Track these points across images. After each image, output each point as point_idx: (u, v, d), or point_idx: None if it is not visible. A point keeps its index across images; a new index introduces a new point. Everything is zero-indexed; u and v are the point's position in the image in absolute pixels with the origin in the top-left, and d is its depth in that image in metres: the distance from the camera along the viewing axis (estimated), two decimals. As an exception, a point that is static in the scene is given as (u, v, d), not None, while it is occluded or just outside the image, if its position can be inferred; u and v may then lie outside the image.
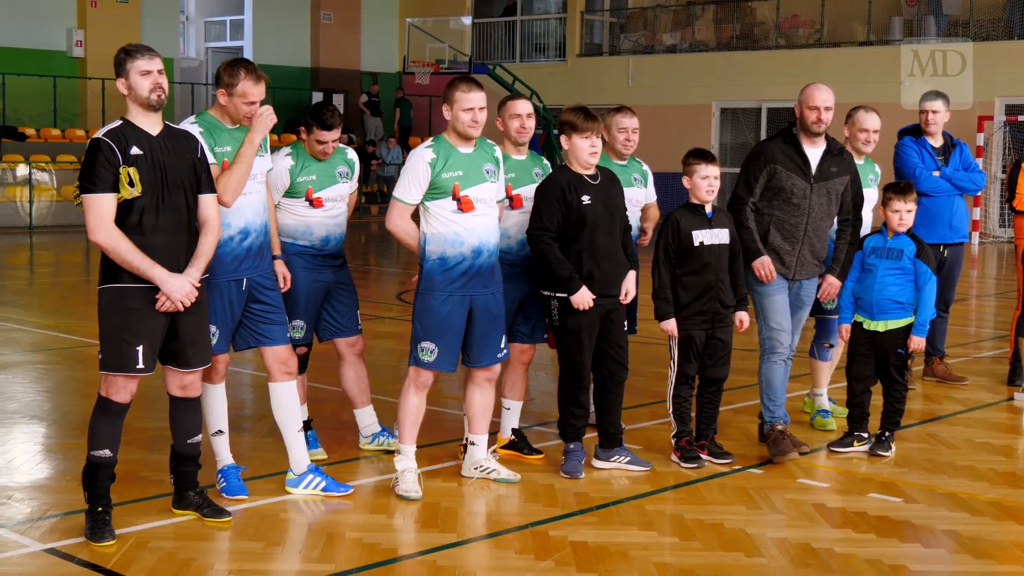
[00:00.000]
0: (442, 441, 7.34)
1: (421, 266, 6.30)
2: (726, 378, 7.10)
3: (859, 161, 7.90)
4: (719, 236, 6.92)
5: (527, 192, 6.83)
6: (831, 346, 7.96)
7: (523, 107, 6.89)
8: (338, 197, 6.87)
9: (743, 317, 7.03)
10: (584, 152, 6.58)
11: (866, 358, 7.30)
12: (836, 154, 7.24)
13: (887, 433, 7.29)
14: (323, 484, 6.28)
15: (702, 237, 6.88)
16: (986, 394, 9.20)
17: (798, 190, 7.10)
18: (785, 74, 27.80)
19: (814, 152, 7.17)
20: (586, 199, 6.55)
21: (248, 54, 30.58)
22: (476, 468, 6.55)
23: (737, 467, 6.94)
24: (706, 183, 6.88)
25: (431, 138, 6.34)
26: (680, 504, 6.27)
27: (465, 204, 6.18)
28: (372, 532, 5.75)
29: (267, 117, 6.06)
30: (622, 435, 6.92)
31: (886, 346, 7.24)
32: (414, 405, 6.33)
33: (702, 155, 6.94)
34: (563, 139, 6.64)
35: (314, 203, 6.72)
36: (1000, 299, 15.57)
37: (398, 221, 6.25)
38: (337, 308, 6.98)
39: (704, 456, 6.99)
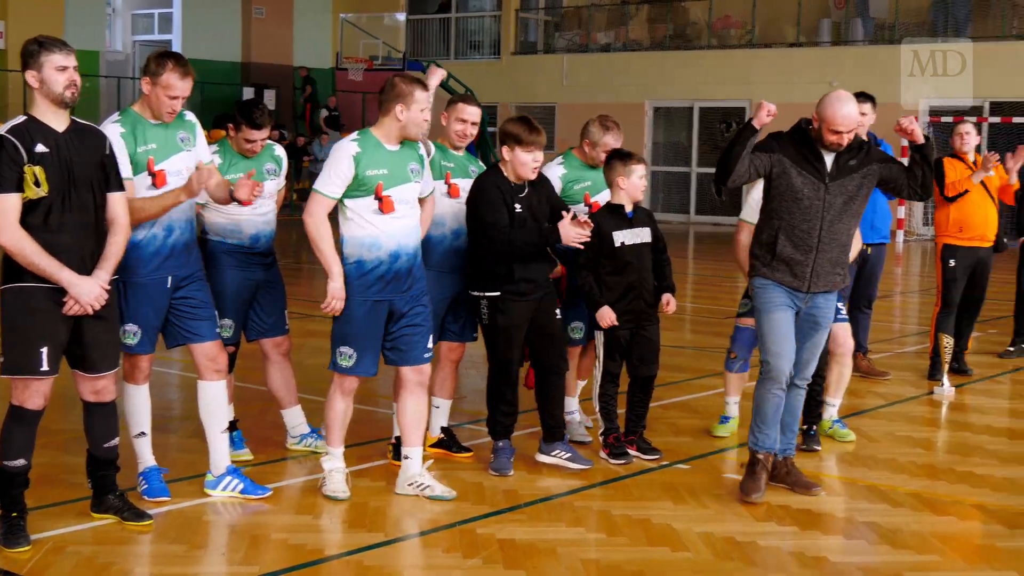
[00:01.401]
0: (371, 440, 7.32)
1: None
2: (655, 376, 7.16)
3: None
4: (640, 235, 6.96)
5: (464, 184, 6.86)
6: (737, 356, 7.65)
7: (472, 113, 6.93)
8: (267, 195, 6.83)
9: (669, 297, 7.05)
10: (526, 167, 6.55)
11: None
12: (855, 147, 6.27)
13: (813, 428, 7.36)
14: (241, 486, 6.22)
15: (623, 237, 6.90)
16: (908, 388, 9.38)
17: (808, 190, 6.19)
18: (717, 74, 28.11)
19: (829, 150, 6.27)
20: (518, 208, 6.56)
21: (177, 48, 30.18)
22: (410, 484, 6.32)
23: (665, 463, 7.01)
24: (642, 183, 6.94)
25: (356, 132, 6.21)
26: (608, 500, 6.32)
27: (386, 204, 6.04)
28: (298, 533, 5.73)
29: (205, 174, 5.92)
30: (563, 429, 6.90)
31: None
32: (340, 410, 6.27)
33: (630, 156, 6.97)
34: (504, 149, 6.58)
35: (243, 201, 6.68)
36: (924, 295, 15.83)
37: (317, 213, 6.04)
38: (265, 307, 6.95)
39: (633, 452, 7.05)
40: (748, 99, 27.97)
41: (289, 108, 32.12)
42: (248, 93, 29.51)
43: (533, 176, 6.60)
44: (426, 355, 6.32)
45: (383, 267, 6.06)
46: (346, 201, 6.08)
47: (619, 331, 6.94)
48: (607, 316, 6.83)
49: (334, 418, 6.27)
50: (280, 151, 7.05)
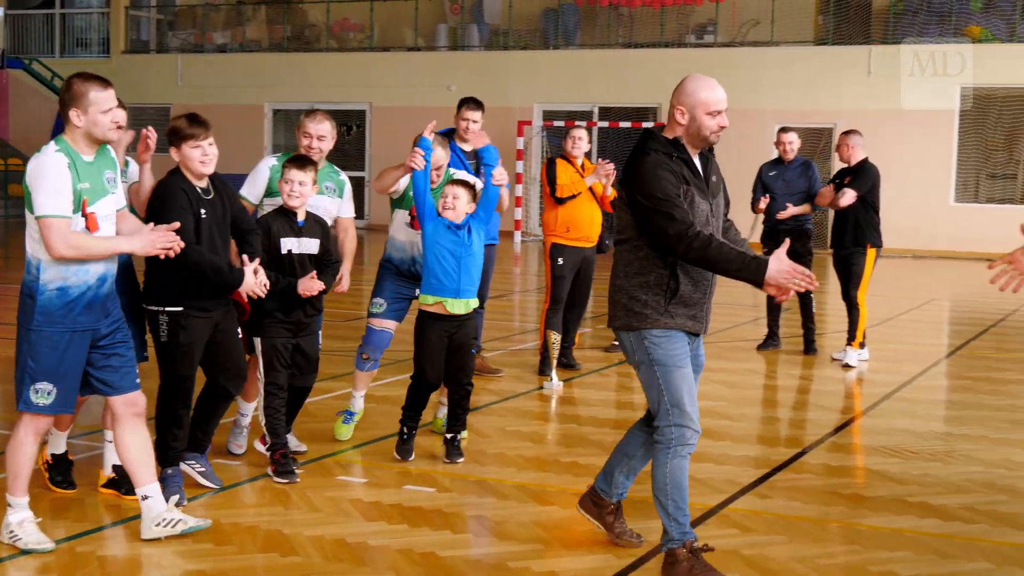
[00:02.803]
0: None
1: (30, 296, 5.38)
2: (311, 387, 7.01)
3: None
4: (308, 246, 6.70)
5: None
6: (370, 357, 7.55)
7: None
8: None
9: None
10: (195, 161, 6.08)
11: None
12: (707, 155, 5.39)
13: (458, 438, 7.20)
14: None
15: (290, 245, 6.66)
16: (519, 384, 9.68)
17: (702, 214, 5.18)
18: (337, 76, 28.18)
19: (697, 159, 5.31)
20: (203, 212, 6.09)
21: None
22: (157, 524, 5.63)
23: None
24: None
25: (52, 141, 5.42)
26: (217, 509, 6.14)
27: (91, 222, 5.37)
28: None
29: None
30: (206, 445, 6.53)
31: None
32: (31, 455, 5.56)
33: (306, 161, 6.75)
34: (173, 151, 6.11)
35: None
36: (540, 294, 16.40)
37: (74, 242, 5.29)
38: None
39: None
40: (368, 102, 28.21)
41: None
42: None
43: (206, 170, 6.13)
44: (137, 380, 5.73)
45: (90, 293, 5.43)
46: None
47: (278, 340, 6.69)
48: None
49: (23, 463, 5.54)
50: None
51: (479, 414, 8.45)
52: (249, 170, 7.39)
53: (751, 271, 4.99)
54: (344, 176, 7.48)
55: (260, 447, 6.99)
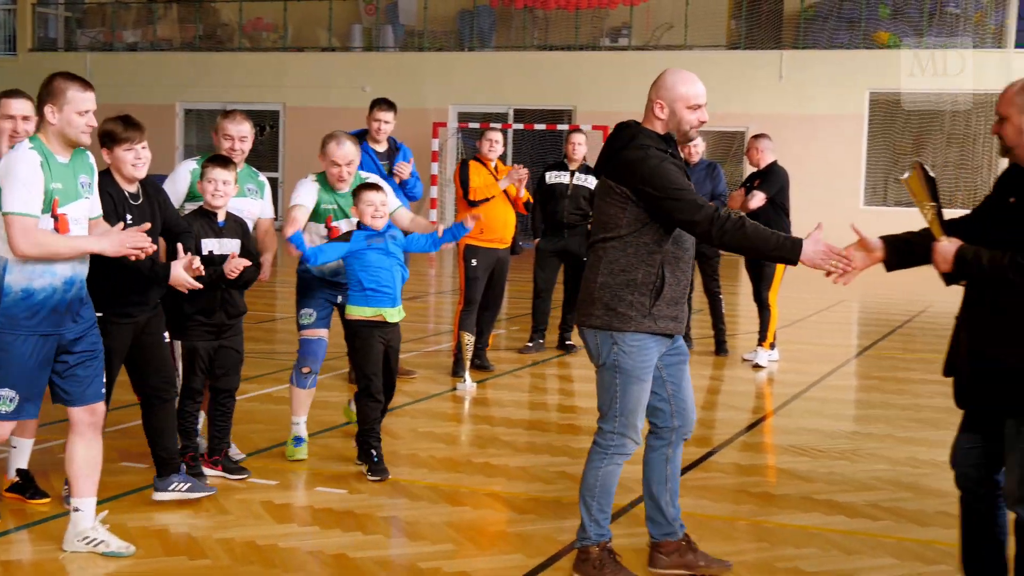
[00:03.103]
0: None
1: None
2: (237, 387, 6.90)
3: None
4: (229, 246, 6.58)
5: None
6: (311, 371, 7.34)
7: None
8: None
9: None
10: (127, 165, 5.92)
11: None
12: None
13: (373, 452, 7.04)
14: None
15: (211, 246, 6.54)
16: (433, 385, 9.67)
17: None
18: (250, 76, 27.95)
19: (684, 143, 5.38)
20: (130, 218, 5.89)
21: None
22: (81, 540, 5.47)
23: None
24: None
25: (27, 139, 5.29)
26: (123, 513, 6.04)
27: (61, 224, 5.19)
28: None
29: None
30: (177, 459, 6.33)
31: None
32: None
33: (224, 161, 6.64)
34: (105, 152, 5.95)
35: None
36: (454, 295, 16.40)
37: (39, 239, 5.10)
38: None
39: (217, 472, 6.70)
40: (282, 102, 28.02)
41: None
42: None
43: (138, 174, 5.98)
44: (102, 391, 5.54)
45: (56, 296, 5.23)
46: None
47: (200, 343, 6.59)
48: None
49: None
50: None
51: (392, 415, 8.42)
52: (160, 170, 7.29)
53: (787, 249, 4.87)
54: (263, 177, 7.40)
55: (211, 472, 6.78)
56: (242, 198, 6.97)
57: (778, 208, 10.93)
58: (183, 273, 5.98)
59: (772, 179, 10.96)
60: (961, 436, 4.70)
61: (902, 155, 25.14)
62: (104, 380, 5.56)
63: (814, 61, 24.94)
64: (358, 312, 6.87)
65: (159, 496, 6.22)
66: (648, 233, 5.01)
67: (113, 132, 5.94)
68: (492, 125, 20.25)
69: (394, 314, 6.93)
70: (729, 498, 6.63)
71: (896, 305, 15.86)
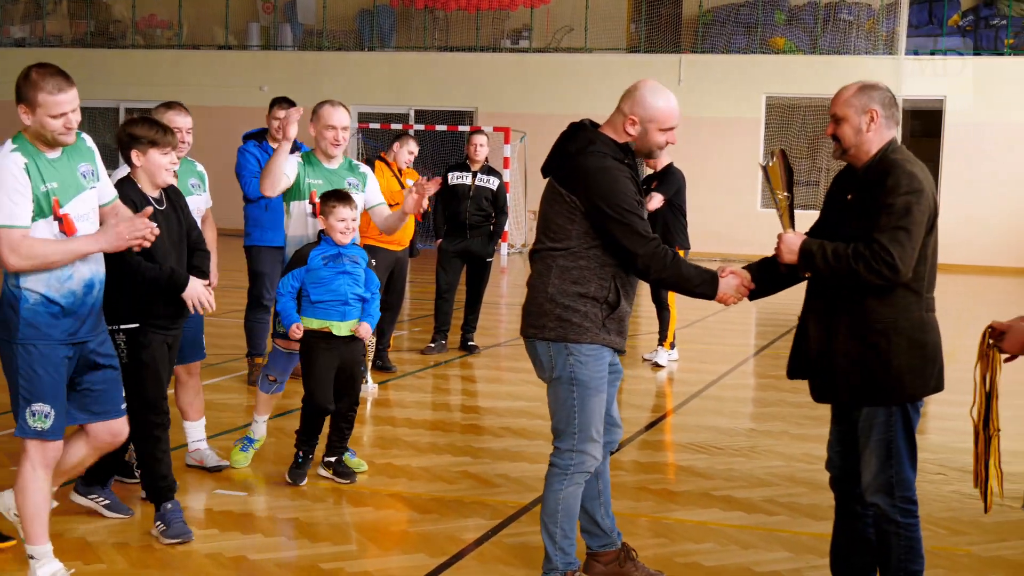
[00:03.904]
0: None
1: (11, 307, 4.78)
2: None
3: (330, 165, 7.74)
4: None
5: None
6: (276, 380, 7.10)
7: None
8: None
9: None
10: (162, 170, 5.64)
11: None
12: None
13: (336, 459, 6.89)
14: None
15: None
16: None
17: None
18: (144, 74, 27.53)
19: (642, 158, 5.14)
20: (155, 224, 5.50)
21: None
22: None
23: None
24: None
25: (9, 140, 4.83)
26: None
27: (67, 225, 4.80)
28: None
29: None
30: (114, 476, 6.15)
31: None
32: (44, 493, 4.87)
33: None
34: (135, 154, 5.64)
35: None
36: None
37: (27, 251, 4.69)
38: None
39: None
40: (179, 101, 27.58)
41: None
42: None
43: (171, 180, 5.75)
44: (123, 406, 5.21)
45: (77, 302, 4.87)
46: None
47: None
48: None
49: (39, 503, 4.87)
50: None
51: (292, 417, 8.34)
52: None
53: (708, 286, 4.80)
54: (201, 167, 7.13)
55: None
56: (189, 196, 6.44)
57: (675, 209, 11.04)
58: (201, 289, 5.72)
59: (669, 180, 11.07)
60: (831, 428, 4.83)
61: (798, 158, 25.56)
62: (122, 394, 5.22)
63: (712, 65, 25.27)
64: (307, 322, 6.58)
65: (76, 498, 6.01)
66: (600, 246, 4.76)
67: (152, 138, 5.65)
68: (394, 127, 20.16)
69: (342, 328, 6.58)
70: (630, 495, 6.68)
71: (792, 306, 16.03)
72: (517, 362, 10.73)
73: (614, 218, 4.68)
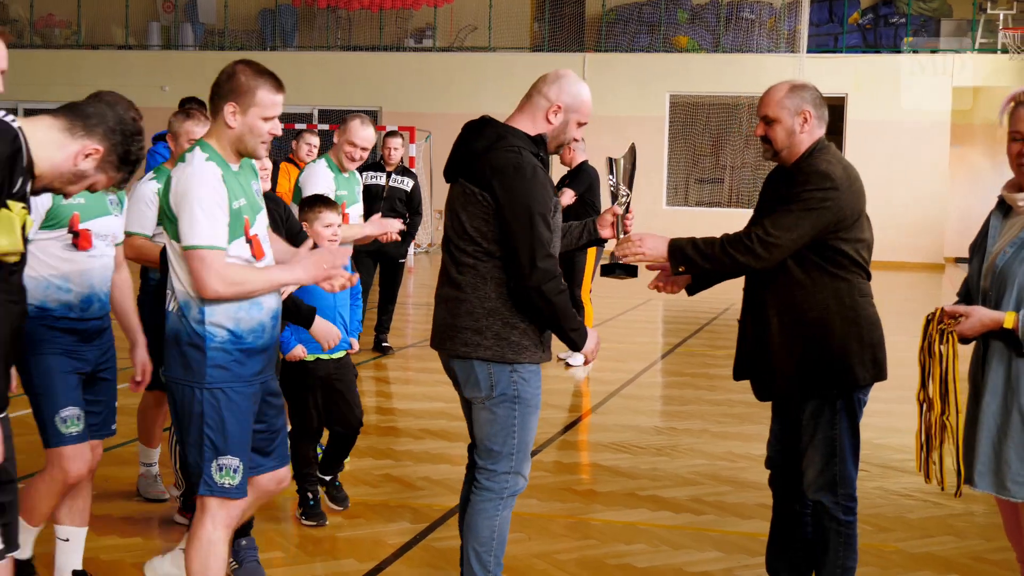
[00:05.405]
0: None
1: (194, 346, 4.16)
2: None
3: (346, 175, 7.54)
4: None
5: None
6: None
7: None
8: None
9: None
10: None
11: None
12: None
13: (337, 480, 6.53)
14: None
15: None
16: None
17: (556, 232, 4.49)
18: (44, 74, 26.93)
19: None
20: None
21: None
22: None
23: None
24: None
25: (196, 147, 4.30)
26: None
27: (256, 248, 4.25)
28: None
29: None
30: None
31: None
32: (223, 556, 4.26)
33: None
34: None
35: None
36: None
37: (234, 277, 4.11)
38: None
39: None
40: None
41: None
42: None
43: (266, 186, 5.38)
44: (288, 452, 4.65)
45: (266, 336, 4.29)
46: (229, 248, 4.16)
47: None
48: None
49: (218, 569, 4.24)
50: None
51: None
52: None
53: (580, 336, 4.45)
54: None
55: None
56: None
57: (587, 205, 11.06)
58: (330, 325, 5.45)
59: (582, 177, 11.11)
60: (772, 426, 4.85)
61: (702, 156, 25.84)
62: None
63: (616, 64, 25.42)
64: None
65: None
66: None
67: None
68: (298, 126, 19.96)
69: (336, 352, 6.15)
70: (554, 496, 6.66)
71: (700, 304, 16.22)
72: (429, 363, 10.65)
73: (521, 221, 4.27)
